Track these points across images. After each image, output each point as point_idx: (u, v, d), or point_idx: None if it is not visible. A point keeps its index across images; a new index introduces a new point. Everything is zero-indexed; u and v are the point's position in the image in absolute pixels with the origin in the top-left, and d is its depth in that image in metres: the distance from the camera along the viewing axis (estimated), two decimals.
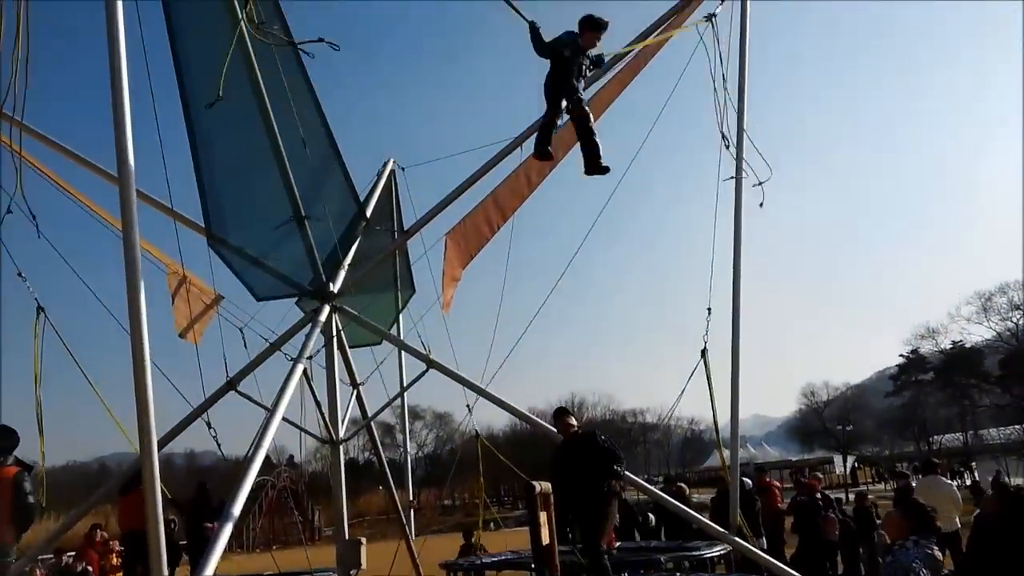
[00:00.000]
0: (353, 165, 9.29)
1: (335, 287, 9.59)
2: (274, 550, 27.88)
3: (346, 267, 9.77)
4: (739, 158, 9.20)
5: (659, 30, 8.82)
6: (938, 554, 4.89)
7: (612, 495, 7.53)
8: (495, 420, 52.62)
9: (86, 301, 9.67)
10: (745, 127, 9.26)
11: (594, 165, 7.29)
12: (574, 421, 8.23)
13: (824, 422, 65.29)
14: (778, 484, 14.81)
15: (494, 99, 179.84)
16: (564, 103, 7.18)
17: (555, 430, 8.29)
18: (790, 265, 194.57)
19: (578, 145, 7.44)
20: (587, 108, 7.30)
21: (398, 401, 13.53)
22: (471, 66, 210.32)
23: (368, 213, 10.22)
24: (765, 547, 11.18)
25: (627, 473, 8.41)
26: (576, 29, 7.23)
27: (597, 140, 7.26)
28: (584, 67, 7.35)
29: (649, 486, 11.04)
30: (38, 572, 13.86)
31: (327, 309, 9.42)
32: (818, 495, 12.26)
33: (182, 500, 13.18)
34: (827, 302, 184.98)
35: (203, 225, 8.59)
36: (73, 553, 13.67)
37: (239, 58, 7.15)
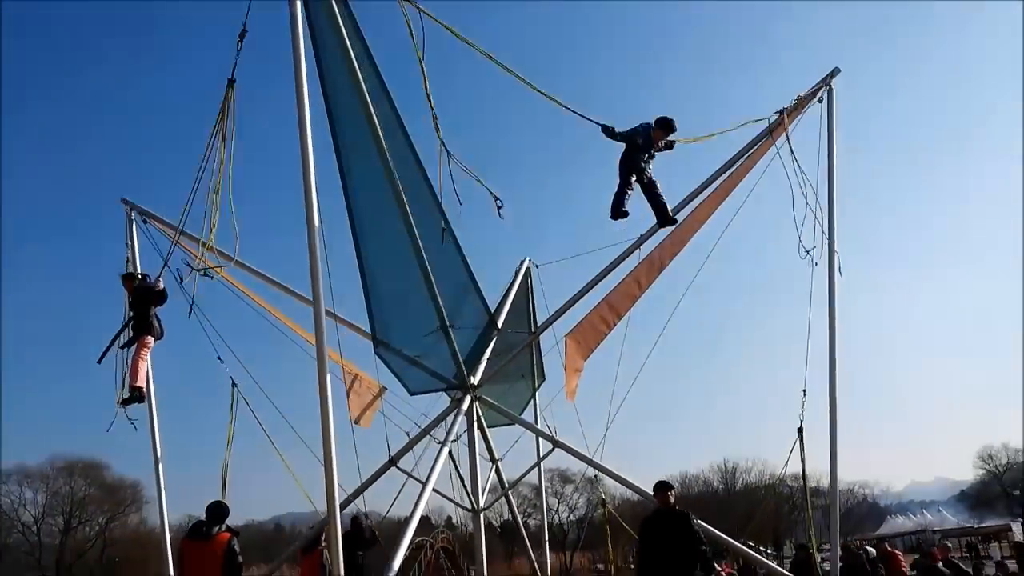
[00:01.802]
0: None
1: (475, 379, 11.42)
2: None
3: (484, 363, 11.58)
4: (831, 238, 9.97)
5: (743, 157, 10.19)
6: None
7: None
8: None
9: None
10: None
11: (664, 218, 9.63)
12: (672, 497, 8.49)
13: (1004, 487, 60.50)
14: (900, 552, 15.13)
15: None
16: (634, 178, 9.14)
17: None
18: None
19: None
20: (653, 179, 9.29)
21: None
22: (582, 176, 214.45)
23: (502, 318, 12.07)
24: None
25: (731, 540, 9.45)
26: (651, 122, 9.07)
27: (663, 200, 9.45)
28: (652, 152, 9.17)
29: (752, 552, 12.03)
30: None
31: (468, 399, 11.25)
32: (940, 563, 12.68)
33: None
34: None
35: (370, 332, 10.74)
36: None
37: (398, 214, 9.16)
